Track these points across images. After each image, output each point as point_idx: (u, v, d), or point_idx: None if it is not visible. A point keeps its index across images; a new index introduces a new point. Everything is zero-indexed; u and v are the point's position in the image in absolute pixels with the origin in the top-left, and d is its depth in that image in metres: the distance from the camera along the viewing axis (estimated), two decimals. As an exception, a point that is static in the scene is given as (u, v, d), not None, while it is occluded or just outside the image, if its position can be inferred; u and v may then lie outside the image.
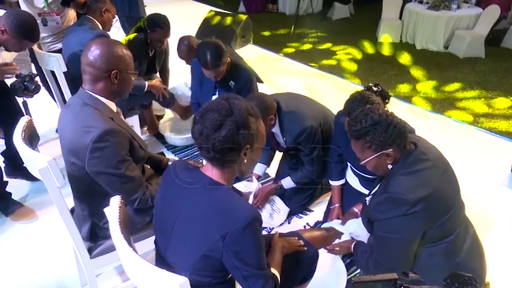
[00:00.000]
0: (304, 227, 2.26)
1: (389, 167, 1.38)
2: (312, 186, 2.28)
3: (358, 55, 5.51)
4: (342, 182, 2.19)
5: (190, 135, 2.89)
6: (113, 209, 1.09)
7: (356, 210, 1.99)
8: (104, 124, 1.37)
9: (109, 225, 1.53)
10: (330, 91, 4.24)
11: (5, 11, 2.02)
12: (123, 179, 1.43)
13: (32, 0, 2.58)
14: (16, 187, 2.45)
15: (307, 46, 5.92)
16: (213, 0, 8.37)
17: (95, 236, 1.59)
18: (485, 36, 5.25)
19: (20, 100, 2.23)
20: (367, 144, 1.34)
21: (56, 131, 3.10)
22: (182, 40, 2.87)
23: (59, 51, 2.60)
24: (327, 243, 1.84)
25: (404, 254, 1.39)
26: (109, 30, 2.57)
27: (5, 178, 2.35)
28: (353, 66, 5.08)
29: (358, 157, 1.44)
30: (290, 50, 5.68)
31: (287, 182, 2.23)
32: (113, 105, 1.51)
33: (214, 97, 2.46)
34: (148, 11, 3.69)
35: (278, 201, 2.32)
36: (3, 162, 2.50)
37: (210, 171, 1.13)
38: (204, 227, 1.06)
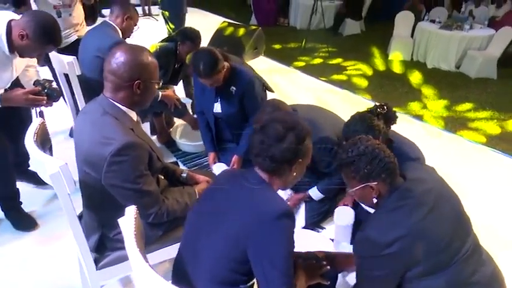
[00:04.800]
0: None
1: (374, 200, 1.34)
2: (328, 202, 2.23)
3: (369, 71, 5.48)
4: None
5: (201, 142, 2.92)
6: (128, 220, 1.03)
7: None
8: (123, 136, 1.31)
9: (120, 236, 1.48)
10: (343, 106, 4.19)
11: (21, 14, 1.88)
12: (140, 193, 1.37)
13: None
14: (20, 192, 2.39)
15: (317, 60, 5.91)
16: (225, 12, 8.43)
17: (103, 247, 1.52)
18: (497, 57, 5.22)
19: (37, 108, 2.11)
20: (351, 174, 1.33)
21: (70, 135, 3.09)
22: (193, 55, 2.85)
23: (70, 46, 2.59)
24: (348, 266, 1.75)
25: None
26: (129, 38, 2.55)
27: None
28: (363, 82, 5.05)
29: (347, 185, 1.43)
30: (300, 64, 5.67)
31: (314, 192, 2.20)
32: (133, 114, 1.45)
33: (216, 104, 2.41)
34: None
35: (301, 211, 2.30)
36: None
37: (260, 174, 1.22)
38: (240, 214, 1.13)
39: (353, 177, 1.33)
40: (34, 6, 2.68)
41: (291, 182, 1.27)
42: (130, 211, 1.05)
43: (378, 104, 1.85)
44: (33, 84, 1.92)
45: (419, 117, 4.07)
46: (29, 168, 2.51)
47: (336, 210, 2.04)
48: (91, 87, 2.31)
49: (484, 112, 4.28)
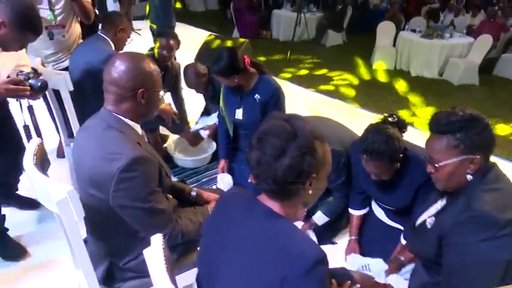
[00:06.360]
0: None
1: (469, 177, 1.19)
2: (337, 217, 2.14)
3: (355, 81, 5.52)
4: (362, 212, 2.06)
5: (200, 156, 2.80)
6: (156, 251, 0.90)
7: (402, 258, 1.80)
8: (132, 150, 1.20)
9: (130, 264, 1.35)
10: (339, 115, 4.14)
11: None
12: (152, 213, 1.25)
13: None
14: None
15: (303, 71, 5.91)
16: (207, 26, 8.38)
17: (111, 279, 1.38)
18: (478, 64, 5.36)
19: (24, 104, 1.91)
20: (455, 142, 1.18)
21: (57, 156, 2.89)
22: (188, 68, 2.78)
23: (64, 70, 2.42)
24: None
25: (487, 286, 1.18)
26: (121, 50, 2.42)
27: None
28: (351, 92, 5.06)
29: (433, 158, 1.24)
30: (287, 75, 5.65)
31: (319, 218, 2.09)
32: (138, 128, 1.34)
33: (238, 111, 2.33)
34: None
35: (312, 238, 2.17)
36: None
37: (268, 203, 0.97)
38: (260, 266, 0.89)
39: (455, 146, 1.18)
40: None
41: (310, 201, 1.04)
42: (157, 240, 0.93)
43: (386, 114, 1.81)
44: (16, 74, 1.73)
45: (411, 125, 4.09)
46: (17, 191, 2.33)
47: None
48: (81, 103, 2.17)
49: (471, 118, 4.35)
